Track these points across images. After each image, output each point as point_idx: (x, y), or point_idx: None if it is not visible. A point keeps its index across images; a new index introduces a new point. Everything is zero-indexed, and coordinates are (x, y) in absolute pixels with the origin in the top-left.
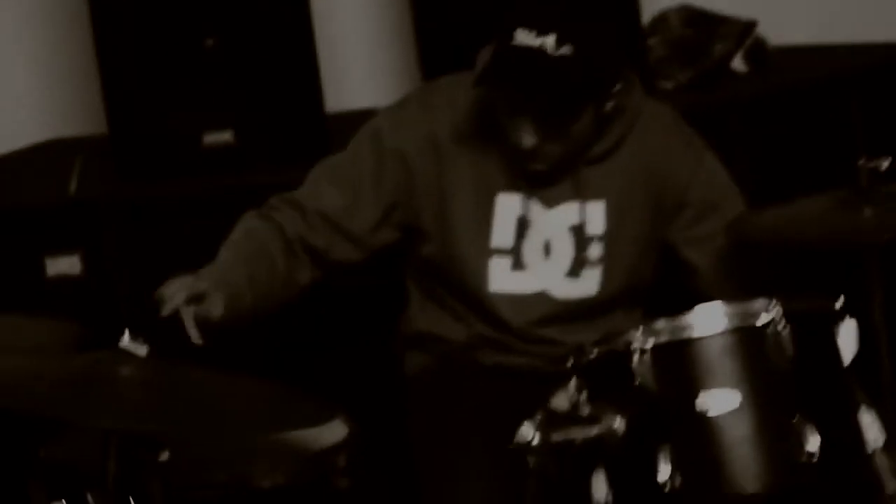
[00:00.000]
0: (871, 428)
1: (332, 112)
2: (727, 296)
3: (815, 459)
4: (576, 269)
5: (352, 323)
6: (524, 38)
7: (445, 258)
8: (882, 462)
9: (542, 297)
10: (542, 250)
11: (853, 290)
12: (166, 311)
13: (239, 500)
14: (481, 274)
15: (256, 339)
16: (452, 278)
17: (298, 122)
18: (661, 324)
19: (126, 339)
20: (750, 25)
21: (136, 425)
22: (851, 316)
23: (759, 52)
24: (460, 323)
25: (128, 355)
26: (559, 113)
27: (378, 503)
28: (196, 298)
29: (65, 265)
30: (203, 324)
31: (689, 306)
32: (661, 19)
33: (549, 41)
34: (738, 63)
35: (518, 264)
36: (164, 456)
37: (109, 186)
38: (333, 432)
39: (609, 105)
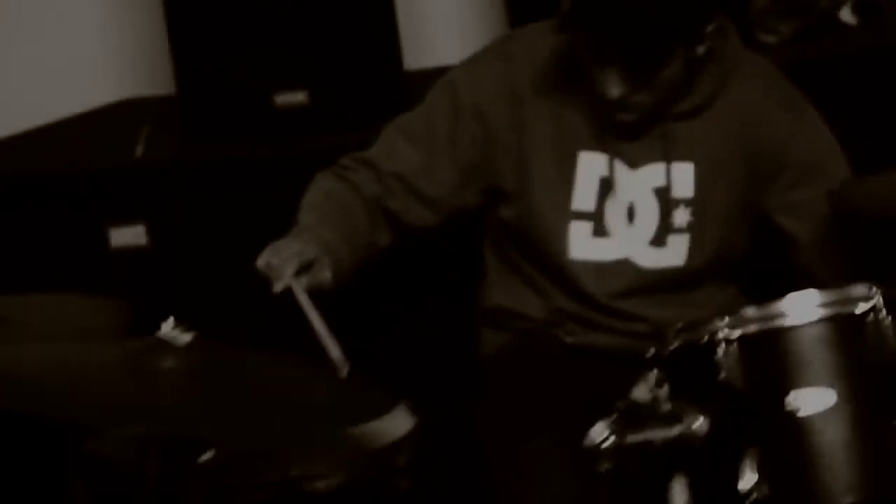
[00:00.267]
0: None
1: (410, 70)
2: (828, 272)
3: None
4: (661, 237)
5: (424, 297)
6: None
7: (524, 222)
8: None
9: (625, 266)
10: (625, 215)
11: None
12: (280, 286)
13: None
14: (561, 239)
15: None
16: (531, 244)
17: (375, 81)
18: (750, 311)
19: (168, 326)
20: None
21: (176, 429)
22: None
23: (871, 2)
24: (540, 296)
25: (170, 345)
26: (647, 57)
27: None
28: (305, 267)
29: (129, 236)
30: (315, 293)
31: (787, 284)
32: None
33: None
34: (846, 14)
35: (600, 230)
36: (208, 456)
37: (177, 150)
38: (396, 426)
39: (701, 49)
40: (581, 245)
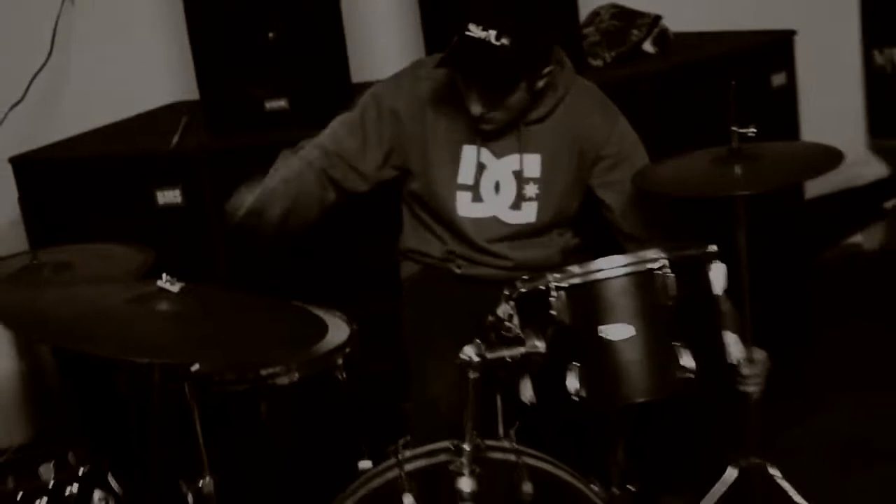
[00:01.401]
0: (734, 345)
1: (356, 82)
2: (631, 229)
3: (689, 374)
4: (517, 203)
5: (364, 240)
6: (474, 30)
7: (426, 190)
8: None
9: (494, 221)
10: (493, 188)
11: (725, 230)
12: (238, 217)
13: (262, 394)
14: (451, 203)
15: (290, 255)
16: (431, 206)
17: (332, 91)
18: (574, 268)
19: (164, 279)
20: (657, 18)
21: (169, 359)
22: (721, 258)
23: (664, 39)
24: (437, 241)
25: (165, 291)
26: (498, 89)
27: (370, 389)
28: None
29: (170, 196)
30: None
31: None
32: (595, 13)
33: (492, 34)
34: (648, 46)
35: (477, 197)
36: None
37: (201, 139)
38: (335, 336)
39: (540, 83)
40: (464, 207)
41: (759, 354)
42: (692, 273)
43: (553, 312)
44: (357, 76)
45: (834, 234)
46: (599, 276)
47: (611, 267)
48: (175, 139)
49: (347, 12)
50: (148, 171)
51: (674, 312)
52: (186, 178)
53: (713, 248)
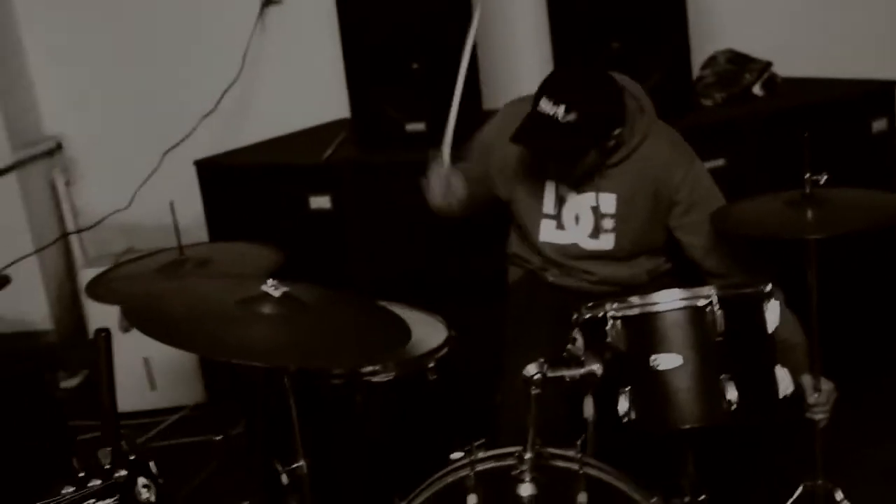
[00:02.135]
0: (783, 380)
1: (487, 109)
2: (715, 266)
3: (734, 407)
4: (595, 233)
5: (475, 250)
6: (544, 105)
7: (517, 215)
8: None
9: (574, 248)
10: (574, 219)
11: (797, 269)
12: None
13: (359, 388)
14: (536, 229)
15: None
16: (523, 227)
17: (466, 117)
18: (633, 300)
19: (270, 284)
20: (768, 64)
21: (262, 362)
22: (780, 293)
23: (772, 83)
24: (534, 252)
25: (269, 297)
26: (567, 158)
27: (468, 386)
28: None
29: (321, 202)
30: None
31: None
32: (713, 57)
33: (561, 109)
34: (757, 89)
35: (560, 226)
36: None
37: (349, 153)
38: (433, 339)
39: (611, 143)
40: (548, 233)
41: (827, 385)
42: (745, 310)
43: (609, 340)
44: (489, 103)
45: None
46: (653, 308)
47: (664, 301)
48: (328, 152)
49: (482, 43)
50: (304, 178)
51: (722, 346)
52: (335, 187)
53: (767, 287)
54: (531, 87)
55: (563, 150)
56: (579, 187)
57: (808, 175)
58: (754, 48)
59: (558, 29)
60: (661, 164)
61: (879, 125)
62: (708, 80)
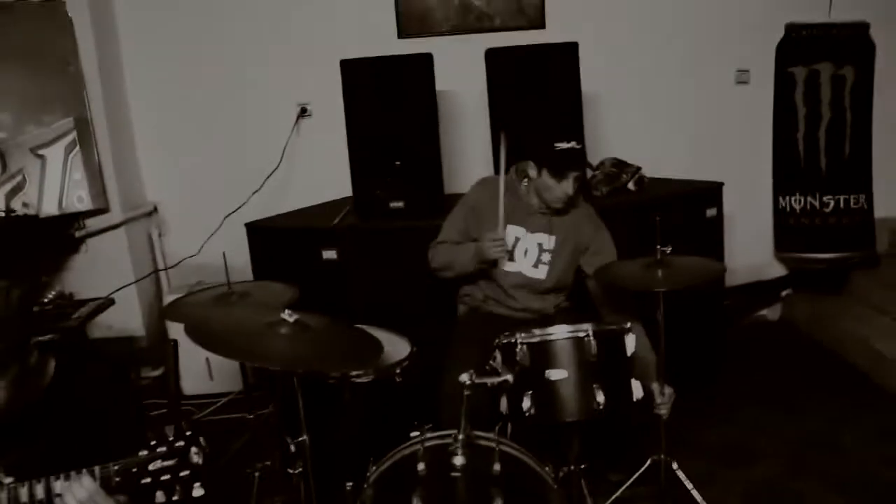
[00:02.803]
0: (636, 389)
1: (447, 193)
2: (601, 299)
3: (601, 407)
4: (536, 265)
5: (435, 290)
6: (563, 145)
7: None
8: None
9: (519, 275)
10: (523, 253)
11: (651, 310)
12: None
13: (347, 386)
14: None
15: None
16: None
17: (432, 198)
18: (535, 331)
19: (287, 313)
20: (639, 168)
21: (280, 367)
22: (634, 330)
23: (641, 181)
24: (479, 290)
25: (286, 322)
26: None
27: (418, 391)
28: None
29: (330, 254)
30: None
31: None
32: (601, 162)
33: (573, 143)
34: (631, 185)
35: (511, 258)
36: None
37: (352, 221)
38: (399, 352)
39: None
40: (501, 263)
41: (668, 390)
42: (612, 341)
43: (518, 358)
44: (448, 189)
45: (750, 309)
46: (549, 337)
47: (556, 333)
48: (336, 220)
49: (444, 151)
50: (319, 238)
51: (595, 365)
52: (340, 244)
53: (627, 325)
54: (480, 173)
55: (585, 164)
56: (533, 230)
57: (658, 246)
58: (630, 156)
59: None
60: (585, 222)
61: (711, 212)
62: (598, 178)
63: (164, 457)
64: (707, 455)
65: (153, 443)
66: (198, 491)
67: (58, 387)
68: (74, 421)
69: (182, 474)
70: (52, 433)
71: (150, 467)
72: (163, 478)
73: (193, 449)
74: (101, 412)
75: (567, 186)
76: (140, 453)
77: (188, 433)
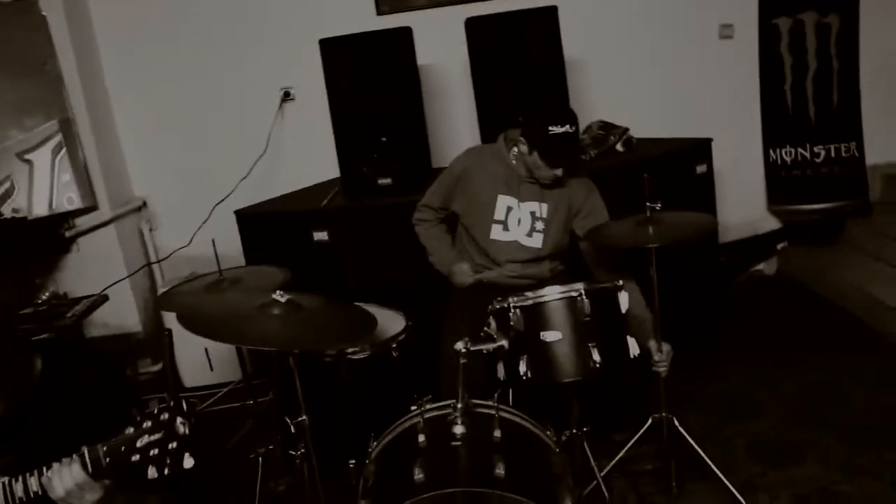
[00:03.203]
0: (632, 346)
1: (435, 167)
2: (595, 260)
3: (598, 365)
4: (531, 233)
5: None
6: (555, 129)
7: (471, 223)
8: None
9: (514, 244)
10: (517, 222)
11: (643, 267)
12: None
13: (343, 363)
14: (487, 231)
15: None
16: (472, 235)
17: (419, 173)
18: (527, 294)
19: (278, 294)
20: (626, 129)
21: (274, 347)
22: (627, 288)
23: (629, 142)
24: (474, 259)
25: (278, 302)
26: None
27: (415, 365)
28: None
29: (321, 235)
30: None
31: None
32: (588, 126)
33: (567, 126)
34: (619, 147)
35: (505, 228)
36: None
37: (340, 202)
38: (394, 327)
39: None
40: (496, 234)
41: (666, 346)
42: (605, 299)
43: (511, 323)
44: (435, 162)
45: (745, 264)
46: (541, 300)
47: (549, 294)
48: (325, 201)
49: (430, 125)
50: (309, 220)
51: (589, 324)
52: (331, 225)
53: (619, 282)
54: (466, 145)
55: (579, 150)
56: (525, 199)
57: (648, 203)
58: (616, 118)
59: (483, 108)
60: (576, 186)
61: (701, 169)
62: (585, 141)
63: (150, 431)
64: (708, 410)
65: (138, 418)
66: (188, 461)
67: (48, 386)
68: (66, 420)
69: (171, 446)
70: (44, 433)
71: (138, 444)
72: (152, 452)
73: (179, 419)
74: (95, 410)
75: (558, 170)
76: (126, 431)
77: (171, 403)
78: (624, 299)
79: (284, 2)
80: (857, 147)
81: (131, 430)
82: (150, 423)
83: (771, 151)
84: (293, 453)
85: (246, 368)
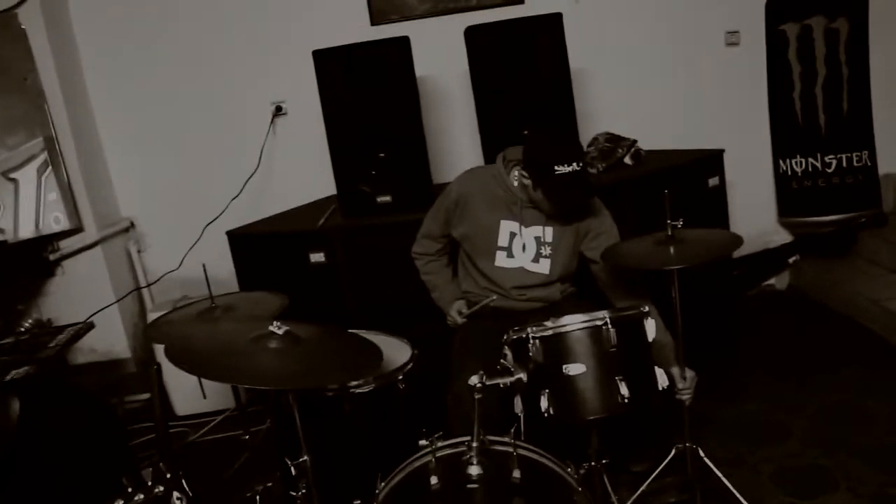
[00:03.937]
0: (661, 377)
1: (436, 183)
2: (608, 283)
3: (626, 400)
4: (537, 259)
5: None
6: (561, 168)
7: (472, 251)
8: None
9: (520, 270)
10: (521, 248)
11: (657, 287)
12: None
13: (346, 397)
14: (490, 258)
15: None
16: (474, 262)
17: (419, 191)
18: (547, 323)
19: (275, 325)
20: (634, 141)
21: (270, 386)
22: (654, 309)
23: (638, 155)
24: (478, 286)
25: (274, 334)
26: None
27: (423, 397)
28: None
29: (318, 257)
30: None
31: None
32: (595, 138)
33: (575, 165)
34: (627, 160)
35: (510, 254)
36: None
37: (337, 221)
38: (399, 358)
39: None
40: (501, 261)
41: (690, 373)
42: (631, 327)
43: (530, 354)
44: (436, 178)
45: (756, 279)
46: (563, 329)
47: (571, 323)
48: (322, 221)
49: (430, 135)
50: (305, 241)
51: (615, 355)
52: (328, 246)
53: (646, 308)
54: (466, 165)
55: (587, 190)
56: (529, 224)
57: (669, 221)
58: (623, 130)
59: (484, 121)
60: (585, 210)
61: (713, 181)
62: (592, 154)
63: None
64: (731, 435)
65: (129, 490)
66: None
67: (27, 430)
68: (48, 467)
69: None
70: (24, 482)
71: None
72: None
73: (175, 494)
74: (78, 454)
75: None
76: (117, 503)
77: (168, 476)
78: (651, 327)
79: (274, 13)
80: (869, 156)
81: (121, 502)
82: (142, 497)
83: (781, 162)
84: (294, 494)
85: (240, 397)
